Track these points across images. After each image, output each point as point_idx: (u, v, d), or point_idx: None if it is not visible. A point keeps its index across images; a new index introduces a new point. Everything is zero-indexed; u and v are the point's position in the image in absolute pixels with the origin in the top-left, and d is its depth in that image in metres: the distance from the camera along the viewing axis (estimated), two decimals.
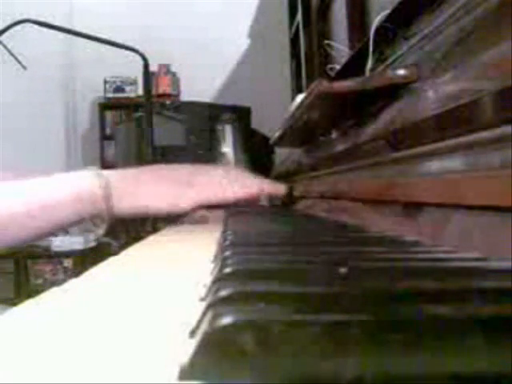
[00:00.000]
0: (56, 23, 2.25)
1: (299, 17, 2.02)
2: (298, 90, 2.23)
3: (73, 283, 0.33)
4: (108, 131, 4.02)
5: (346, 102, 0.70)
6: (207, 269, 0.36)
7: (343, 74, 0.93)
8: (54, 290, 0.31)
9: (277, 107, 2.40)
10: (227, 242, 0.45)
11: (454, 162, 0.42)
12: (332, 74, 1.19)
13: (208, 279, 0.30)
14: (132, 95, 4.02)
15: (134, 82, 4.00)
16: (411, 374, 0.16)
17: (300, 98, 0.90)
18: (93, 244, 3.50)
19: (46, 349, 0.20)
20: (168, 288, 0.33)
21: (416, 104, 0.51)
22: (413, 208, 0.51)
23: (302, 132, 1.09)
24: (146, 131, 2.23)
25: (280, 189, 0.90)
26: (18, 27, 2.18)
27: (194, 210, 0.81)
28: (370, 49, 0.77)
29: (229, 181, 0.81)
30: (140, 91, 3.74)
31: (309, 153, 1.17)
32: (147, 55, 2.21)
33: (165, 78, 4.02)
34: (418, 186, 0.50)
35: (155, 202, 0.76)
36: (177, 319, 0.24)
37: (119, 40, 2.21)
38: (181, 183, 0.78)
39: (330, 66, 1.29)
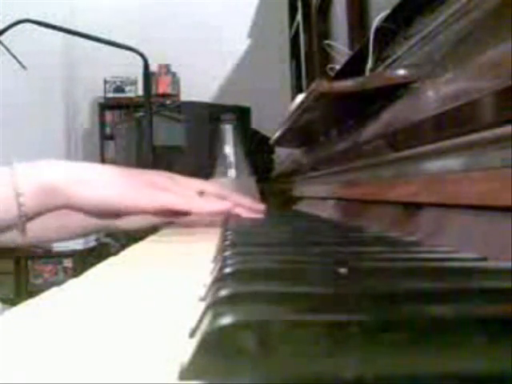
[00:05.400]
0: (56, 23, 2.25)
1: (299, 17, 2.02)
2: (298, 90, 2.23)
3: (73, 283, 0.33)
4: (108, 131, 4.01)
5: (345, 102, 0.70)
6: (207, 269, 0.36)
7: (343, 74, 0.93)
8: (54, 289, 0.31)
9: (277, 107, 2.40)
10: (227, 242, 0.45)
11: (454, 162, 0.42)
12: (332, 74, 1.18)
13: (208, 279, 0.30)
14: (132, 95, 4.02)
15: (134, 82, 4.00)
16: (411, 374, 0.16)
17: (300, 97, 0.90)
18: (93, 244, 3.50)
19: (45, 349, 0.20)
20: (168, 288, 0.33)
21: (416, 104, 0.51)
22: (413, 208, 0.51)
23: (301, 132, 1.09)
24: (145, 131, 2.23)
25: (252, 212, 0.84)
26: (18, 27, 2.18)
27: (160, 214, 0.77)
28: (370, 49, 0.77)
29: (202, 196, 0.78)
30: (140, 91, 3.74)
31: (309, 153, 1.17)
32: (147, 55, 2.21)
33: (165, 78, 4.02)
34: (418, 186, 0.50)
35: (115, 199, 0.70)
36: (177, 319, 0.24)
37: (119, 40, 2.21)
38: (146, 184, 0.74)
39: (330, 66, 1.29)
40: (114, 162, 3.63)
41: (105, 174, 0.73)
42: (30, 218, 0.69)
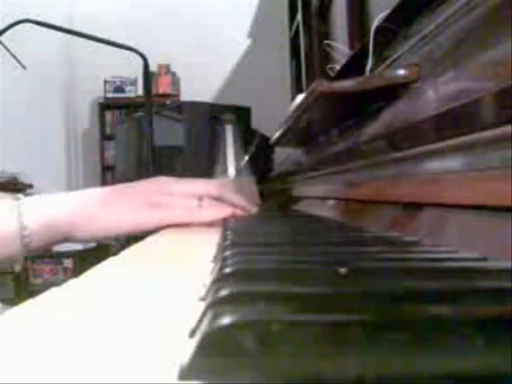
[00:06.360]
0: (56, 23, 2.25)
1: (299, 17, 2.02)
2: (298, 90, 2.23)
3: (73, 283, 0.33)
4: (108, 131, 4.02)
5: (346, 102, 0.70)
6: (207, 269, 0.36)
7: (343, 74, 0.93)
8: (54, 289, 0.31)
9: (277, 107, 2.40)
10: (227, 242, 0.45)
11: (454, 162, 0.42)
12: (332, 74, 1.19)
13: (208, 279, 0.30)
14: (132, 95, 4.02)
15: (134, 82, 4.00)
16: (411, 374, 0.16)
17: (300, 98, 0.90)
18: (93, 244, 3.50)
19: (45, 349, 0.20)
20: (168, 288, 0.33)
21: (416, 104, 0.51)
22: (413, 208, 0.51)
23: (301, 132, 1.09)
24: (146, 131, 2.23)
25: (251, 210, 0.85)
26: (18, 27, 2.18)
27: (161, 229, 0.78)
28: (370, 49, 0.77)
29: (200, 204, 0.79)
30: (140, 91, 3.75)
31: (309, 153, 1.17)
32: (147, 55, 2.21)
33: (165, 78, 4.02)
34: (418, 185, 0.50)
35: (115, 225, 0.73)
36: (177, 319, 0.24)
37: (119, 40, 2.21)
38: (145, 204, 0.75)
39: (329, 65, 1.29)
40: (113, 162, 3.64)
41: (105, 203, 0.75)
42: (33, 251, 0.71)
